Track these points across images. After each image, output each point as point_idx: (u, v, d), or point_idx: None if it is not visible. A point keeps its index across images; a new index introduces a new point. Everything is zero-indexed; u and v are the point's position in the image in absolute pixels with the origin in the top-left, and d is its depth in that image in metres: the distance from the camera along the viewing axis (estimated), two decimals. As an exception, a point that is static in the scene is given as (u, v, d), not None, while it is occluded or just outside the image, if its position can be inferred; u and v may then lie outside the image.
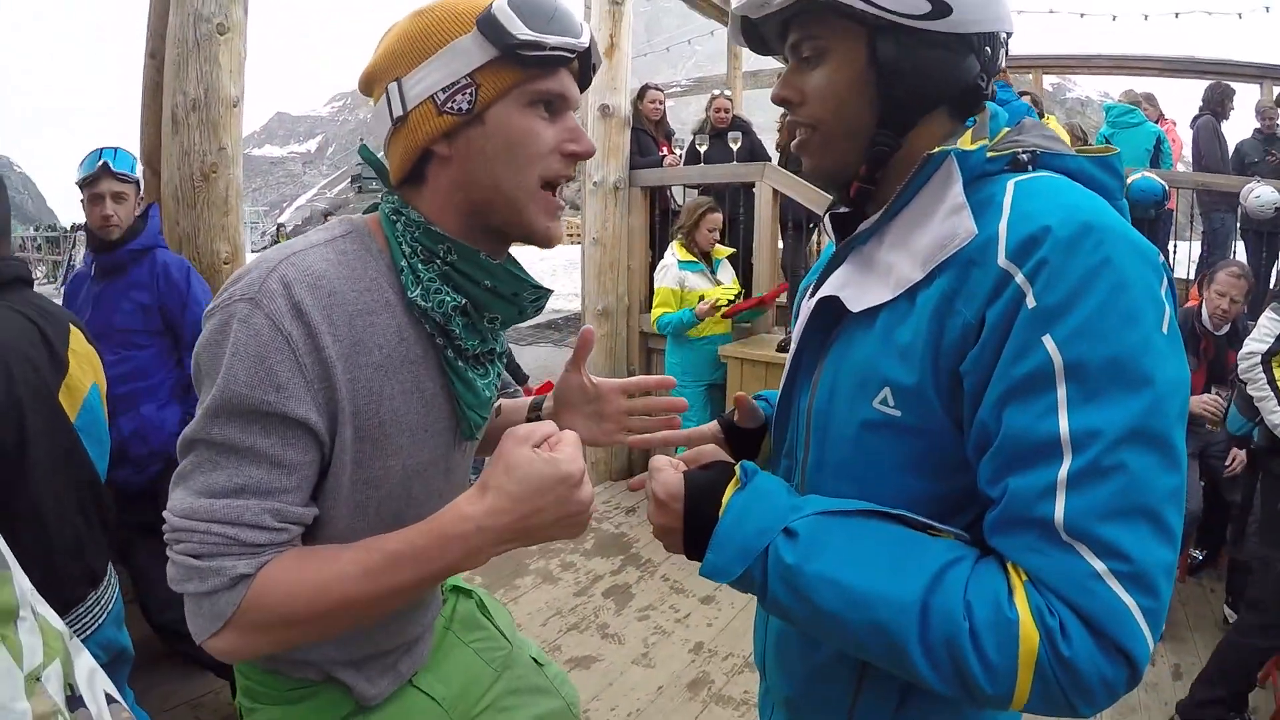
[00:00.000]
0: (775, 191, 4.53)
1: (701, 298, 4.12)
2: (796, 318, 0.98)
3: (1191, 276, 4.86)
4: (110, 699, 0.64)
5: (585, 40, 0.88)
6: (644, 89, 5.52)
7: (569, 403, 1.20)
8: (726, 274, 4.35)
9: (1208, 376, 3.38)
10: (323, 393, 0.82)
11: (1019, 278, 0.68)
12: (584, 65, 0.91)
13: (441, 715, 1.11)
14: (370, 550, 0.81)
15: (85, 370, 1.61)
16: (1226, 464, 3.19)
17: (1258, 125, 5.98)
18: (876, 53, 0.78)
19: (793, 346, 0.94)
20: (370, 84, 0.91)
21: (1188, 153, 6.63)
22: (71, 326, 1.60)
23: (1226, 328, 3.38)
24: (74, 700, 0.59)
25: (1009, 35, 0.82)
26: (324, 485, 0.87)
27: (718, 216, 4.23)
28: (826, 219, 0.95)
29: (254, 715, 1.03)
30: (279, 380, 0.78)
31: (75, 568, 1.55)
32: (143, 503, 2.31)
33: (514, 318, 0.96)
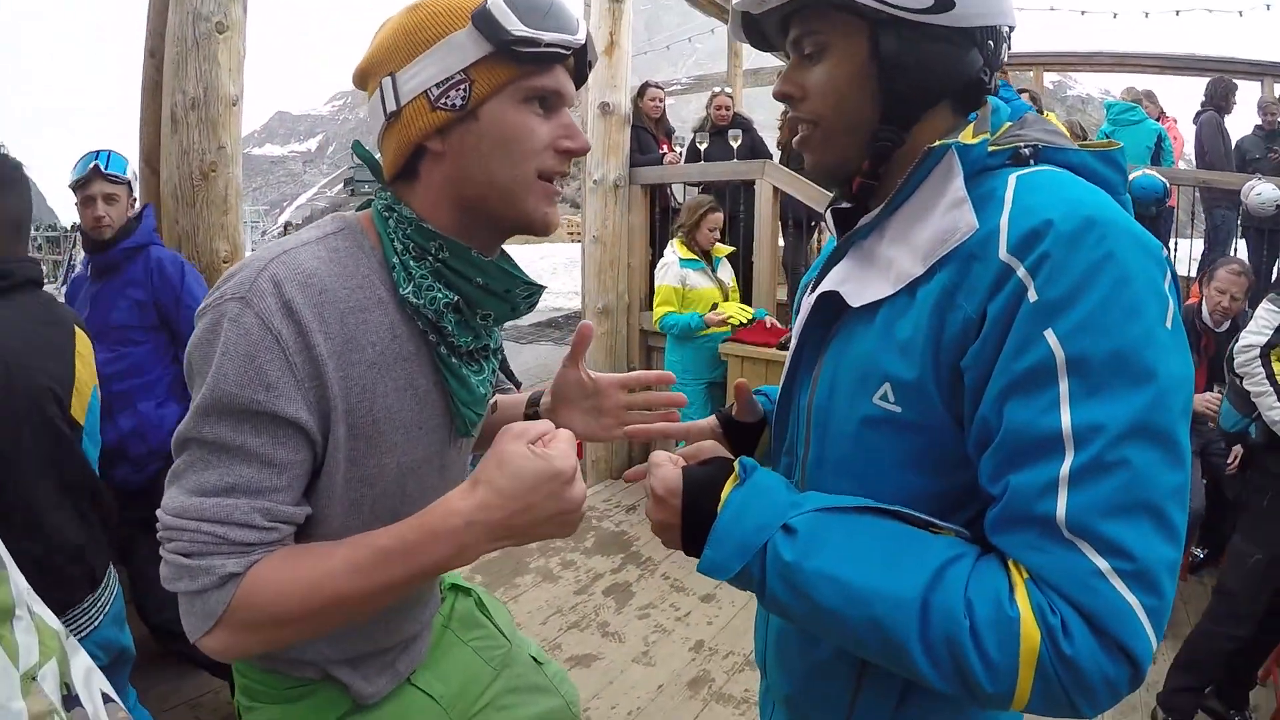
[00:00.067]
0: (776, 189, 4.52)
1: (715, 305, 4.11)
2: (797, 313, 0.98)
3: (1193, 274, 4.85)
4: (107, 698, 0.64)
5: (581, 37, 0.88)
6: (644, 87, 5.51)
7: (567, 398, 1.20)
8: (726, 272, 4.35)
9: (1209, 374, 3.37)
10: (314, 391, 0.81)
11: (1020, 272, 0.67)
12: (580, 62, 0.91)
13: (440, 714, 1.11)
14: (360, 547, 0.80)
15: (90, 372, 1.64)
16: (1228, 461, 3.18)
17: (1259, 122, 5.97)
18: (878, 47, 0.77)
19: (793, 342, 0.94)
20: (365, 78, 0.91)
21: (1188, 150, 6.63)
22: (76, 329, 1.63)
23: (1227, 325, 3.37)
24: (70, 700, 0.59)
25: (1011, 29, 0.82)
26: (318, 484, 0.87)
27: (719, 216, 4.23)
28: (828, 214, 0.95)
29: (252, 714, 1.03)
30: (269, 379, 0.78)
31: (74, 569, 1.56)
32: (141, 501, 2.31)
33: (507, 314, 0.96)
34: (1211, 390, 3.20)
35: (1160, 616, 0.62)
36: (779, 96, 0.88)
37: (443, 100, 0.84)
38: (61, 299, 2.54)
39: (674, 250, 4.24)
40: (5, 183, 1.53)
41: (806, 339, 0.90)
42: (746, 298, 4.59)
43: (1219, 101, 6.09)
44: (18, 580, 0.60)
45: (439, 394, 0.95)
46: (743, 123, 5.41)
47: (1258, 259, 5.07)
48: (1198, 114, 6.16)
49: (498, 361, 1.06)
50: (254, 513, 0.79)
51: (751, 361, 3.98)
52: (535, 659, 1.33)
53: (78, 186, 2.42)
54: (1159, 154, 5.70)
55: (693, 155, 5.24)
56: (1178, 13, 9.28)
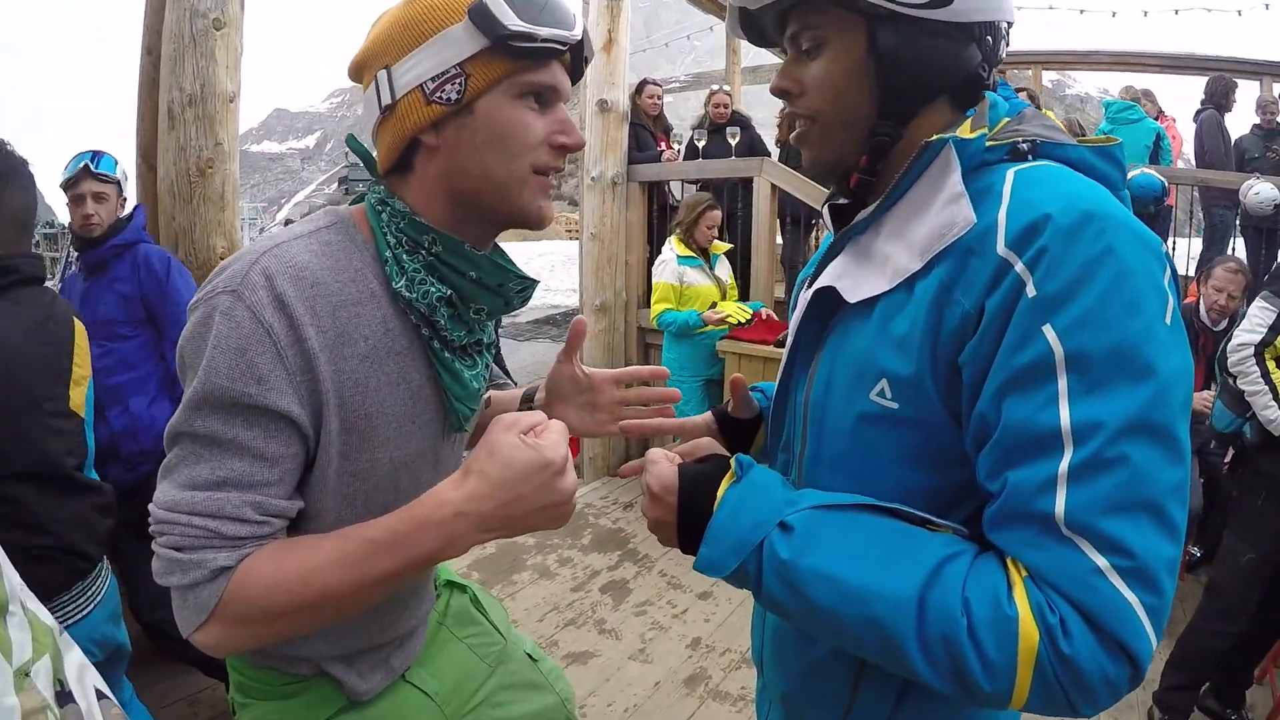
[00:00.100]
0: (774, 186, 4.52)
1: (714, 304, 4.11)
2: (794, 310, 0.98)
3: (1192, 273, 4.85)
4: (100, 694, 0.64)
5: (578, 32, 0.87)
6: (642, 84, 5.51)
7: (561, 394, 1.19)
8: (724, 269, 4.35)
9: (1206, 373, 3.36)
10: (305, 385, 0.81)
11: (1019, 266, 0.66)
12: (576, 57, 0.90)
13: (434, 710, 1.11)
14: (350, 539, 0.80)
15: (86, 365, 1.66)
16: (1226, 460, 3.17)
17: (1257, 121, 5.97)
18: (876, 42, 0.77)
19: (789, 339, 0.93)
20: (360, 71, 0.90)
21: (1187, 149, 6.63)
22: (75, 322, 1.65)
23: (1224, 323, 3.36)
24: (64, 696, 0.58)
25: (1010, 25, 0.81)
26: (310, 478, 0.87)
27: (717, 214, 4.23)
28: (825, 210, 0.95)
29: (247, 711, 1.03)
30: (260, 372, 0.78)
31: (66, 558, 1.58)
32: (133, 501, 2.31)
33: (500, 308, 0.96)
34: (1209, 389, 3.19)
35: (1160, 615, 0.62)
36: (776, 92, 0.87)
37: (438, 94, 0.84)
38: (59, 296, 2.55)
39: (672, 247, 4.24)
40: (10, 178, 1.53)
41: (802, 335, 0.90)
42: (745, 295, 4.59)
43: (1219, 100, 6.09)
44: (11, 576, 0.60)
45: (432, 388, 0.94)
46: (741, 120, 5.41)
47: (1256, 258, 5.06)
48: (1198, 112, 6.16)
49: (491, 356, 1.06)
50: (245, 506, 0.79)
51: (749, 359, 3.98)
52: (530, 656, 1.32)
53: (68, 185, 2.46)
54: (1157, 153, 5.70)
55: (691, 153, 5.23)
56: (1176, 12, 9.28)
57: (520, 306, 0.99)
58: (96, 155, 2.49)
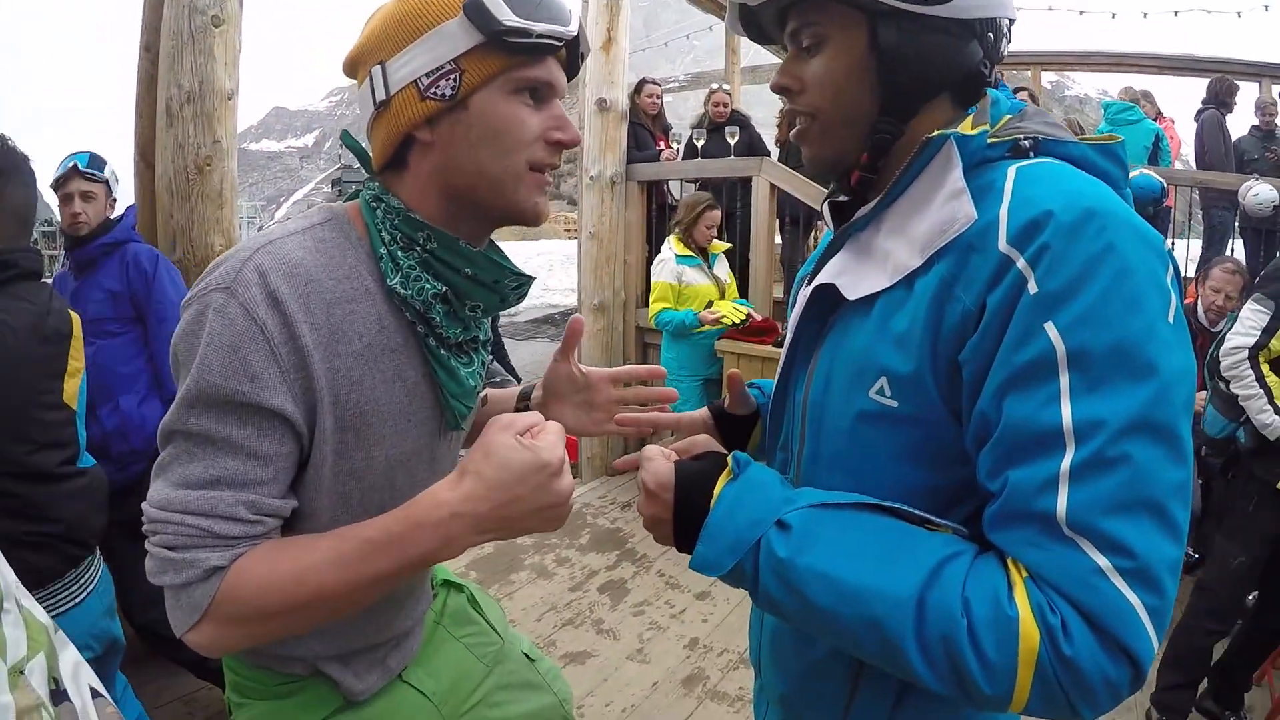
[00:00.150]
0: (773, 186, 4.52)
1: (710, 303, 4.11)
2: (793, 307, 0.97)
3: (1192, 274, 4.86)
4: (95, 693, 0.63)
5: (573, 28, 0.86)
6: (641, 83, 5.51)
7: (558, 392, 1.19)
8: (723, 269, 4.35)
9: (1202, 373, 3.36)
10: (299, 383, 0.80)
11: (1020, 263, 0.66)
12: (572, 53, 0.90)
13: (431, 710, 1.10)
14: (345, 539, 0.79)
15: (81, 359, 1.68)
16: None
17: (1256, 122, 5.98)
18: (877, 39, 0.77)
19: (788, 336, 0.93)
20: (354, 66, 0.90)
21: (1185, 150, 6.64)
22: (73, 316, 1.67)
23: (1222, 324, 3.36)
24: (58, 694, 0.58)
25: (1011, 22, 0.81)
26: (305, 476, 0.86)
27: (717, 214, 4.23)
28: (825, 206, 0.94)
29: (242, 710, 1.02)
30: (253, 370, 0.77)
31: (60, 546, 1.59)
32: (125, 500, 2.31)
33: (495, 305, 0.95)
34: (1207, 390, 3.19)
35: (1162, 616, 0.61)
36: (776, 89, 0.87)
37: (432, 90, 0.83)
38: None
39: (671, 247, 4.24)
40: (11, 174, 1.54)
41: (802, 333, 0.89)
42: (744, 294, 4.59)
43: (1224, 97, 6.08)
44: (6, 574, 0.59)
45: (428, 386, 0.94)
46: (740, 119, 5.41)
47: (1255, 260, 5.07)
48: (1199, 112, 6.15)
49: (488, 354, 1.05)
50: (239, 505, 0.78)
51: (747, 358, 3.98)
52: (528, 656, 1.32)
53: (57, 185, 2.49)
54: (1157, 154, 5.71)
55: (690, 152, 5.23)
56: (1176, 13, 9.29)
57: (516, 303, 0.99)
58: (84, 156, 2.52)
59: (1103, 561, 0.61)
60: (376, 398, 0.87)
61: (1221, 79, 6.14)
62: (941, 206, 0.74)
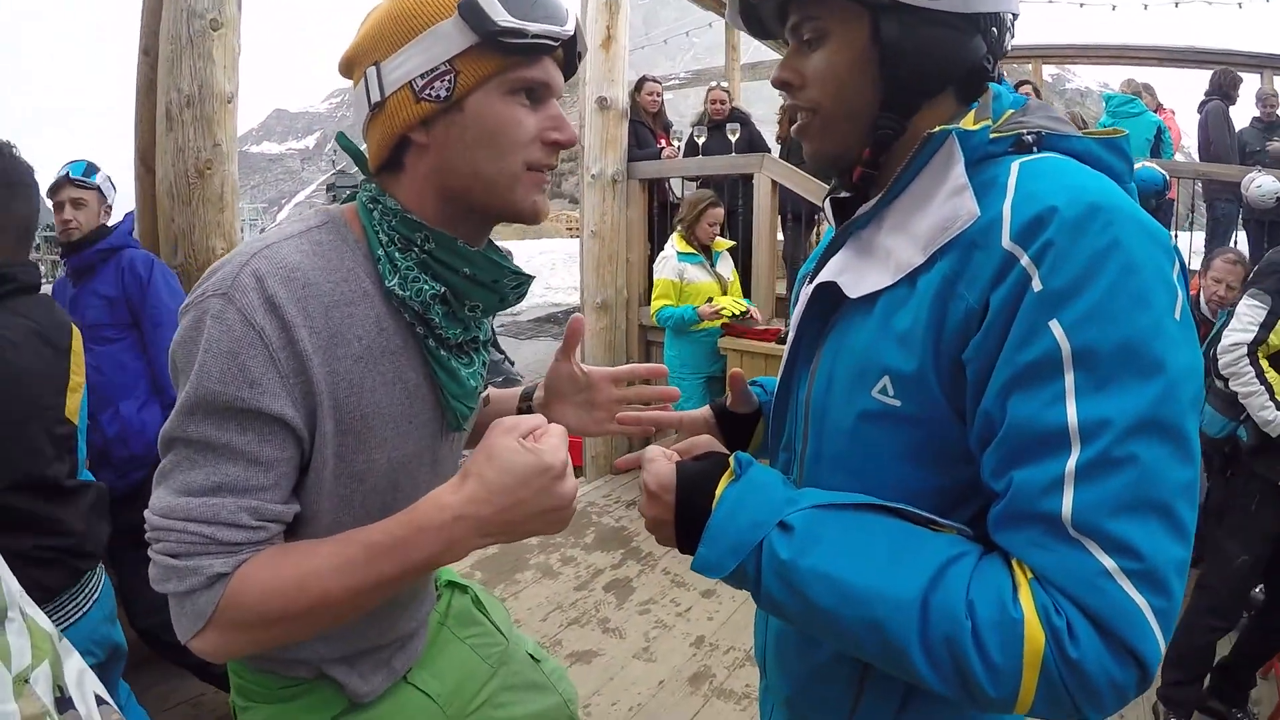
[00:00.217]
0: (774, 183, 4.51)
1: (710, 299, 4.11)
2: (795, 306, 0.97)
3: (1197, 267, 4.84)
4: (100, 700, 0.63)
5: (569, 28, 0.86)
6: (641, 81, 5.50)
7: (559, 392, 1.18)
8: (726, 266, 4.34)
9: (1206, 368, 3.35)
10: (299, 387, 0.80)
11: (1024, 260, 0.65)
12: (568, 52, 0.89)
13: (436, 712, 1.10)
14: (348, 543, 0.79)
15: (81, 372, 1.68)
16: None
17: (1257, 114, 5.96)
18: (879, 33, 0.76)
19: (790, 335, 0.92)
20: (350, 67, 0.89)
21: (1186, 142, 6.63)
22: (73, 328, 1.67)
23: (1224, 316, 3.35)
24: (63, 702, 0.58)
25: (1015, 16, 0.80)
26: (306, 480, 0.86)
27: (719, 212, 4.22)
28: (826, 203, 0.93)
29: (247, 714, 1.02)
30: (252, 376, 0.77)
31: (65, 560, 1.58)
32: (126, 508, 2.32)
33: (495, 305, 0.95)
34: None
35: (1169, 618, 0.60)
36: (777, 84, 0.86)
37: (427, 91, 0.83)
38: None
39: (673, 245, 4.23)
40: (17, 187, 1.54)
41: (804, 332, 0.88)
42: (746, 291, 4.59)
43: (1229, 89, 6.06)
44: (10, 583, 0.59)
45: (429, 388, 0.93)
46: (740, 116, 5.40)
47: (1258, 251, 5.05)
48: (1203, 103, 6.14)
49: (489, 354, 1.05)
50: (241, 512, 0.78)
51: (750, 356, 3.98)
52: (533, 656, 1.32)
53: (50, 193, 2.50)
54: (1158, 146, 5.70)
55: (691, 149, 5.23)
56: (1176, 4, 9.27)
57: (516, 303, 0.98)
58: (78, 165, 2.55)
59: (1109, 563, 0.60)
60: (377, 400, 0.87)
61: (1225, 70, 6.13)
62: (944, 203, 0.73)
